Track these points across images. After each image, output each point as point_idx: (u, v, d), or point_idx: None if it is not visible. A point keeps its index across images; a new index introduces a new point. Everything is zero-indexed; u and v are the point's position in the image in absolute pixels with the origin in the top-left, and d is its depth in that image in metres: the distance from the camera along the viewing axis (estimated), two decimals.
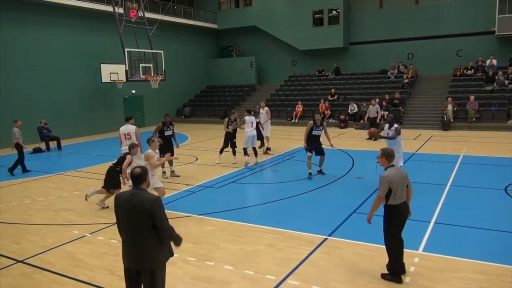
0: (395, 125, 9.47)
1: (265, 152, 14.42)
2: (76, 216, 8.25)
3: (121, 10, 19.49)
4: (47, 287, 5.37)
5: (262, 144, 14.83)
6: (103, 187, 8.61)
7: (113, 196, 7.71)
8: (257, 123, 13.59)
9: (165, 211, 4.05)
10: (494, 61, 21.57)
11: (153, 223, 3.80)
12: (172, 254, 4.06)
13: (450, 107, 19.30)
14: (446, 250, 5.90)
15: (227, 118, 12.87)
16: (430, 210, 7.72)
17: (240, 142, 12.89)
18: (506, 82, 20.53)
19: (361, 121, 20.96)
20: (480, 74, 21.83)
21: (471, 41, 23.12)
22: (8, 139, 13.06)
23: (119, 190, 8.23)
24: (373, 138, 10.90)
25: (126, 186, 7.78)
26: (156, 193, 7.25)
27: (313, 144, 10.79)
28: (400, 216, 5.07)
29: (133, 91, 24.17)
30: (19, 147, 12.45)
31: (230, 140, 12.72)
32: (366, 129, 18.42)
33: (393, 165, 5.19)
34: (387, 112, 19.81)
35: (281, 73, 28.77)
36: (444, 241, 6.33)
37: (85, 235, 7.13)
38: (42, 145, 16.84)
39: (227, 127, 12.57)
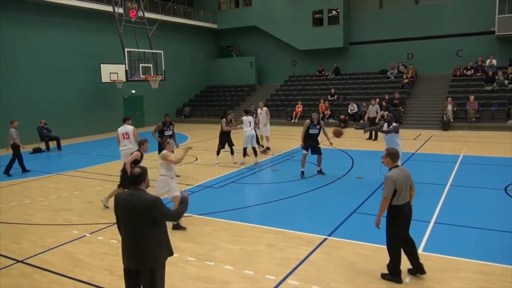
0: (394, 124, 9.48)
1: (263, 152, 14.42)
2: (76, 216, 8.25)
3: (121, 10, 19.49)
4: (47, 287, 5.37)
5: (258, 144, 14.78)
6: (119, 185, 8.40)
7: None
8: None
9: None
10: (494, 61, 21.58)
11: (153, 222, 3.81)
12: (171, 253, 4.06)
13: (450, 107, 19.31)
14: (446, 250, 5.90)
15: (224, 119, 12.91)
16: (430, 210, 7.72)
17: (238, 142, 12.91)
18: (506, 82, 20.53)
19: (361, 121, 20.96)
20: (480, 74, 21.83)
21: (471, 41, 23.12)
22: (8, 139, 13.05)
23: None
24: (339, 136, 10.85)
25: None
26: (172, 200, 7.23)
27: (309, 143, 10.82)
28: (403, 216, 5.05)
29: (133, 91, 24.17)
30: (15, 148, 12.42)
31: (226, 140, 12.75)
32: (366, 129, 18.42)
33: (398, 165, 5.16)
34: (387, 112, 19.81)
35: (281, 73, 28.77)
36: (444, 241, 6.34)
37: (85, 235, 7.13)
38: (42, 145, 16.84)
39: (226, 126, 12.62)
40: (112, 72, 21.29)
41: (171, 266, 5.31)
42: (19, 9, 18.51)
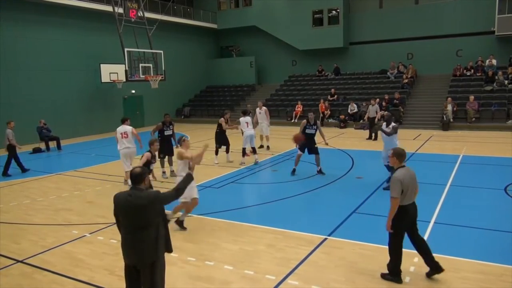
0: (393, 124, 9.44)
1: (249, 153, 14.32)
2: (76, 216, 8.25)
3: (120, 10, 19.48)
4: (47, 287, 5.37)
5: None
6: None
7: None
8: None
9: (166, 211, 4.08)
10: (494, 61, 21.58)
11: (157, 216, 3.87)
12: (170, 250, 4.09)
13: (449, 107, 19.31)
14: (446, 250, 5.89)
15: (222, 118, 12.95)
16: (430, 210, 7.71)
17: (236, 142, 12.93)
18: (506, 82, 20.54)
19: (361, 121, 20.96)
20: (479, 74, 21.83)
21: (470, 41, 23.13)
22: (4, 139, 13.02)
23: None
24: (297, 146, 10.84)
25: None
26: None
27: (305, 143, 10.83)
28: (409, 216, 5.02)
29: (133, 91, 24.16)
30: (11, 149, 12.36)
31: (222, 139, 12.80)
32: (366, 129, 18.45)
33: (404, 166, 5.13)
34: (386, 112, 19.80)
35: (281, 73, 28.76)
36: (444, 241, 6.33)
37: (84, 235, 7.13)
38: (42, 145, 16.83)
39: (226, 125, 12.72)
40: (112, 72, 21.29)
41: (171, 266, 5.31)
42: (19, 9, 18.50)
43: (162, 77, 21.03)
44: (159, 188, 5.51)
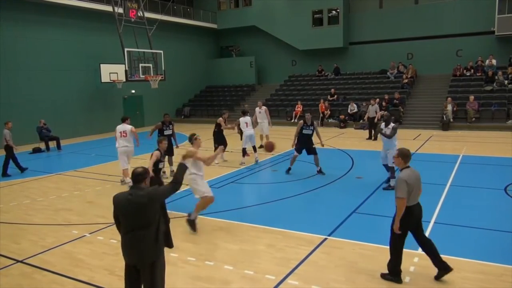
0: (392, 124, 9.40)
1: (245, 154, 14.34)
2: (75, 216, 8.25)
3: (120, 10, 19.48)
4: (47, 287, 5.36)
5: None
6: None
7: None
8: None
9: (167, 211, 4.09)
10: (494, 61, 21.58)
11: (158, 212, 3.88)
12: (171, 246, 4.12)
13: (449, 107, 19.31)
14: (446, 250, 5.87)
15: (221, 118, 13.02)
16: (430, 210, 7.70)
17: (233, 142, 12.96)
18: (506, 82, 20.54)
19: (361, 121, 20.97)
20: (479, 74, 21.83)
21: (470, 41, 23.13)
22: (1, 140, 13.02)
23: None
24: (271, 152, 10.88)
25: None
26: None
27: (303, 144, 10.89)
28: (413, 217, 4.98)
29: (133, 91, 24.16)
30: (8, 149, 12.32)
31: (221, 139, 12.87)
32: (366, 129, 18.45)
33: (408, 166, 5.09)
34: (386, 112, 19.80)
35: (281, 73, 28.77)
36: (444, 241, 6.32)
37: (84, 235, 7.13)
38: (42, 145, 16.83)
39: (225, 125, 12.85)
40: (112, 72, 21.28)
41: (171, 266, 5.31)
42: (19, 9, 18.50)
43: (162, 77, 21.03)
44: None
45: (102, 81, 21.28)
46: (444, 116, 19.20)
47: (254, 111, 15.86)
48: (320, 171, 10.97)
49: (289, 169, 11.19)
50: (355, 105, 21.71)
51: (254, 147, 12.99)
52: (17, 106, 18.25)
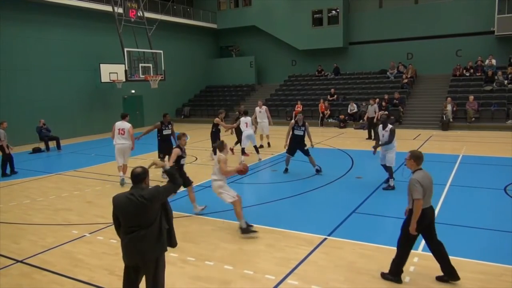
0: (389, 126, 9.36)
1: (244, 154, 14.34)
2: (75, 216, 8.24)
3: (120, 10, 19.48)
4: (47, 287, 5.36)
5: (238, 143, 14.69)
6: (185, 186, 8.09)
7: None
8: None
9: (169, 209, 4.09)
10: (493, 61, 21.58)
11: (160, 210, 3.90)
12: (174, 245, 4.13)
13: (449, 107, 19.31)
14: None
15: (218, 118, 13.08)
16: None
17: (230, 142, 12.98)
18: (506, 82, 20.54)
19: (361, 121, 20.96)
20: (479, 74, 21.84)
21: (470, 41, 23.14)
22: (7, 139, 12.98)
23: (191, 185, 8.09)
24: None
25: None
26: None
27: (295, 145, 10.92)
28: (426, 220, 4.91)
29: (133, 91, 24.15)
30: (3, 149, 12.21)
31: (216, 139, 12.94)
32: (365, 129, 18.43)
33: (421, 168, 5.02)
34: (386, 112, 19.80)
35: (281, 73, 28.77)
36: (444, 241, 6.26)
37: (84, 235, 7.12)
38: (42, 145, 16.81)
39: (223, 123, 13.01)
40: (112, 72, 21.28)
41: (171, 266, 5.31)
42: (19, 9, 18.49)
43: (161, 77, 21.02)
44: None
45: (102, 81, 21.27)
46: (444, 116, 19.20)
47: (254, 110, 15.90)
48: (317, 171, 10.95)
49: (286, 169, 11.22)
50: (355, 105, 21.71)
51: (255, 147, 13.06)
52: (16, 106, 18.24)
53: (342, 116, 21.70)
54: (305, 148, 10.91)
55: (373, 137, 16.77)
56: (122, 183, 10.54)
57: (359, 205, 8.28)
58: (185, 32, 28.04)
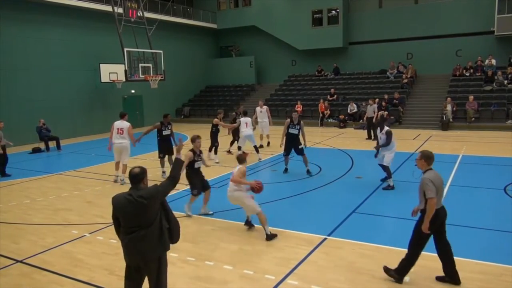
0: (386, 128, 9.35)
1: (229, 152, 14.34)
2: (75, 216, 8.24)
3: (120, 10, 19.47)
4: (46, 287, 5.36)
5: (232, 144, 14.72)
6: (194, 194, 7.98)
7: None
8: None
9: (169, 208, 4.09)
10: (493, 61, 21.59)
11: (159, 210, 3.89)
12: (175, 241, 4.15)
13: (449, 107, 19.31)
14: None
15: (217, 118, 13.17)
16: None
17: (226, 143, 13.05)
18: (505, 82, 20.55)
19: (360, 121, 20.97)
20: (479, 74, 21.84)
21: (470, 41, 23.15)
22: (6, 138, 12.96)
23: (209, 190, 8.01)
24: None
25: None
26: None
27: (290, 144, 10.93)
28: (438, 220, 4.90)
29: (133, 91, 24.14)
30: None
31: (216, 138, 13.02)
32: (365, 129, 18.43)
33: (431, 168, 4.99)
34: (386, 112, 19.81)
35: (281, 73, 28.77)
36: None
37: (84, 235, 7.12)
38: (42, 145, 16.80)
39: (222, 123, 13.26)
40: (112, 72, 21.27)
41: (170, 266, 5.28)
42: (19, 9, 18.48)
43: (161, 77, 21.01)
44: None
45: (102, 81, 21.26)
46: (444, 116, 19.20)
47: (255, 110, 15.94)
48: (308, 171, 10.96)
49: (286, 169, 11.24)
50: (354, 105, 21.71)
51: (255, 147, 13.15)
52: (16, 106, 18.23)
53: (342, 116, 21.70)
54: (299, 147, 10.90)
55: (373, 137, 16.78)
56: (117, 180, 10.70)
57: (359, 205, 8.28)
58: (185, 32, 28.04)
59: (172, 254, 5.87)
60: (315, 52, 27.18)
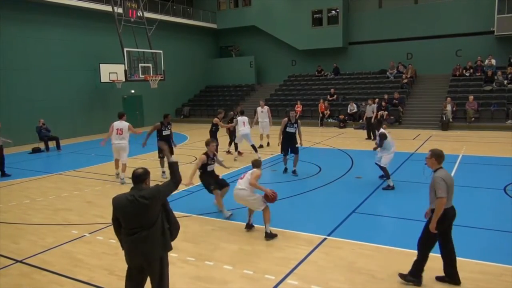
0: (381, 130, 9.43)
1: (239, 154, 14.35)
2: (75, 216, 8.24)
3: (120, 10, 19.46)
4: (46, 287, 5.36)
5: (231, 144, 14.72)
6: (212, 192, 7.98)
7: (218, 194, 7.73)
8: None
9: (170, 209, 4.10)
10: (493, 61, 21.59)
11: (161, 209, 3.90)
12: (174, 237, 4.17)
13: (449, 107, 19.32)
14: None
15: (217, 118, 13.21)
16: None
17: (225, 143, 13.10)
18: (505, 82, 20.55)
19: (360, 121, 20.97)
20: (479, 74, 21.85)
21: (470, 41, 23.15)
22: (4, 137, 12.94)
23: (226, 188, 8.03)
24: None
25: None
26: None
27: (287, 143, 10.93)
28: (447, 220, 4.84)
29: (132, 91, 24.14)
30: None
31: (215, 137, 13.10)
32: (365, 129, 18.44)
33: (442, 167, 4.92)
34: (386, 112, 19.82)
35: (281, 73, 28.77)
36: None
37: (84, 235, 7.12)
38: (41, 145, 16.79)
39: (222, 124, 13.39)
40: (112, 72, 21.26)
41: (171, 266, 5.27)
42: (19, 9, 18.48)
43: (161, 77, 21.01)
44: None
45: (102, 81, 21.26)
46: (444, 116, 19.20)
47: (256, 110, 15.93)
48: (294, 172, 10.98)
49: (286, 169, 11.26)
50: (354, 105, 21.71)
51: (253, 146, 13.19)
52: (16, 106, 18.22)
53: (341, 116, 21.70)
54: (296, 146, 10.93)
55: (372, 138, 16.78)
56: (118, 175, 10.80)
57: (359, 205, 8.28)
58: (185, 32, 28.04)
59: (172, 254, 5.85)
60: (315, 52, 27.18)
